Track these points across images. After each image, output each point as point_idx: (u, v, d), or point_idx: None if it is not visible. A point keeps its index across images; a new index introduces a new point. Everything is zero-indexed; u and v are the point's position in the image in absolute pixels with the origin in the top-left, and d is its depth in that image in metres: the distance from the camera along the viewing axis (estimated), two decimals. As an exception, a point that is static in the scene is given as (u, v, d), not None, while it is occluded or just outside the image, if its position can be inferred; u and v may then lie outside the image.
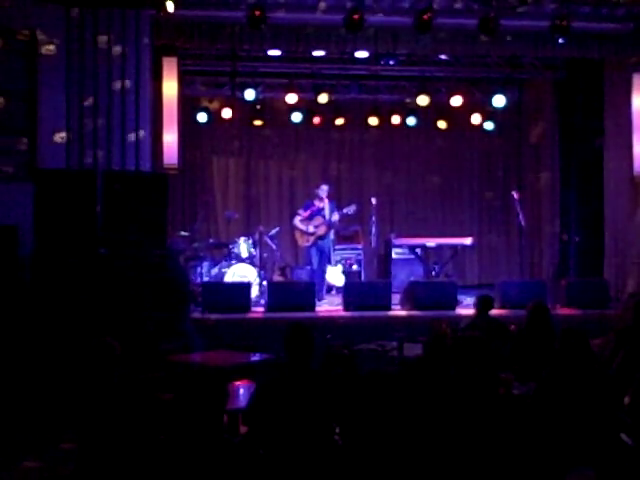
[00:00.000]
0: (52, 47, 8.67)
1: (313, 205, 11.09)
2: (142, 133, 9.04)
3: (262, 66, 11.91)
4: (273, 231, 11.72)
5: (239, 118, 12.63)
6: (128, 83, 9.00)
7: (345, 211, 11.07)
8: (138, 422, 4.13)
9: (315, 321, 8.86)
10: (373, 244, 11.26)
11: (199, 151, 13.39)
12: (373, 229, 11.03)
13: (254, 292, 10.31)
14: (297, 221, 11.11)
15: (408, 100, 12.79)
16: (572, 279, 11.09)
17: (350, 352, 7.76)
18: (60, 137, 8.66)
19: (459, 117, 13.04)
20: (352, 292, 9.80)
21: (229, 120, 12.42)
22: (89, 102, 8.89)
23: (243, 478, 3.22)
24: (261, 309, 9.71)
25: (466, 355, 3.66)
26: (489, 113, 12.84)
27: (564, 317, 9.28)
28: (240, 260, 10.99)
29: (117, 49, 8.97)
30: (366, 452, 3.32)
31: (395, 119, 13.18)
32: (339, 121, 13.19)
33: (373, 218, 11.03)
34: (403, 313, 9.67)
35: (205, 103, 12.60)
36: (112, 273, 7.59)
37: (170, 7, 8.74)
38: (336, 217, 10.97)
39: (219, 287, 10.04)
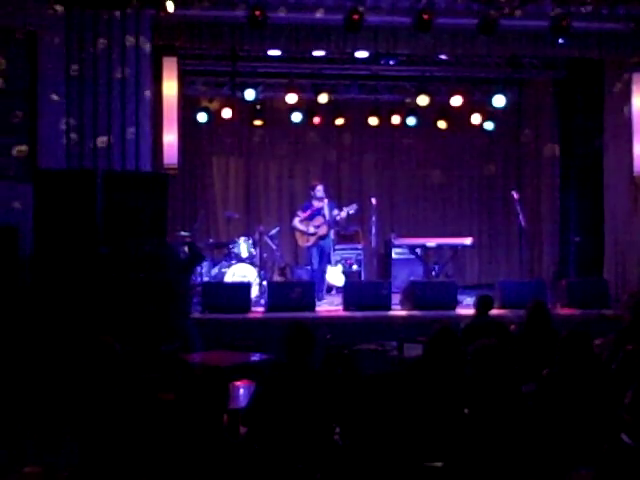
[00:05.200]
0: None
1: (312, 206, 11.08)
2: (142, 133, 9.05)
3: (262, 66, 11.90)
4: (273, 231, 11.71)
5: (239, 118, 12.62)
6: (128, 83, 9.01)
7: (346, 210, 11.06)
8: (138, 422, 4.13)
9: (315, 321, 8.86)
10: (373, 244, 11.25)
11: (199, 151, 13.38)
12: (373, 229, 11.03)
13: (254, 292, 10.30)
14: (297, 222, 11.11)
15: (408, 100, 12.79)
16: (572, 279, 11.09)
17: (350, 352, 7.78)
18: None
19: (459, 117, 13.04)
20: (352, 292, 9.80)
21: (229, 120, 12.41)
22: (89, 102, 8.90)
23: (243, 478, 3.22)
24: (261, 309, 9.71)
25: (484, 366, 3.58)
26: (489, 113, 12.84)
27: (564, 317, 9.28)
28: (240, 260, 10.99)
29: (117, 49, 8.98)
30: (366, 452, 3.32)
31: (395, 119, 13.18)
32: (339, 121, 13.19)
33: (373, 218, 11.02)
34: (403, 313, 9.66)
35: (205, 103, 12.59)
36: (112, 273, 7.59)
37: (170, 7, 8.75)
38: (344, 214, 10.96)
39: (219, 287, 10.03)
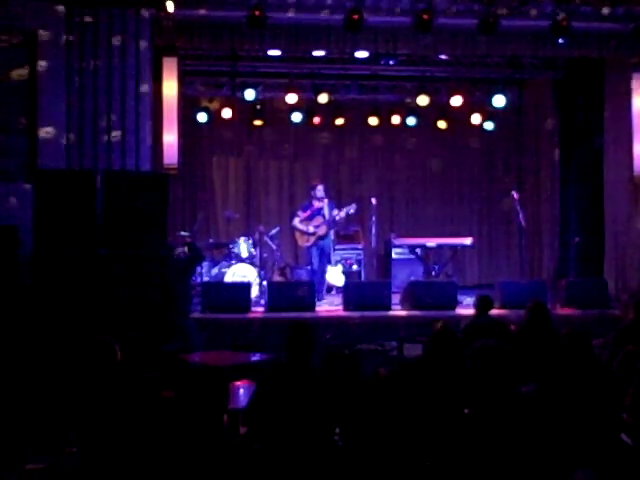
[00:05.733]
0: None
1: (312, 206, 11.08)
2: (142, 133, 9.05)
3: (262, 66, 11.90)
4: (273, 231, 11.72)
5: (239, 118, 12.63)
6: (128, 83, 9.01)
7: (345, 210, 11.06)
8: (138, 422, 4.13)
9: (315, 321, 8.86)
10: (373, 244, 11.25)
11: (199, 151, 13.38)
12: (373, 229, 11.02)
13: (254, 292, 10.30)
14: (296, 222, 11.10)
15: (408, 100, 12.79)
16: (572, 279, 11.08)
17: (350, 352, 7.79)
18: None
19: (459, 117, 13.04)
20: (352, 292, 9.80)
21: (229, 120, 12.42)
22: (89, 102, 8.90)
23: (243, 478, 3.21)
24: (261, 309, 9.71)
25: (484, 366, 3.57)
26: (489, 113, 12.84)
27: (564, 317, 9.28)
28: (240, 260, 10.99)
29: (117, 49, 8.98)
30: (366, 453, 3.32)
31: (395, 119, 13.19)
32: (339, 121, 13.19)
33: (373, 218, 11.02)
34: (403, 313, 9.66)
35: (205, 103, 12.59)
36: (112, 273, 7.59)
37: (170, 7, 8.74)
38: (343, 214, 10.95)
39: (219, 287, 10.03)
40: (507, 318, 8.19)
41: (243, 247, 11.11)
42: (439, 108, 12.88)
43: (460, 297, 10.04)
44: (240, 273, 10.73)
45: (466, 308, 9.53)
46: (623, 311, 7.64)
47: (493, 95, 11.98)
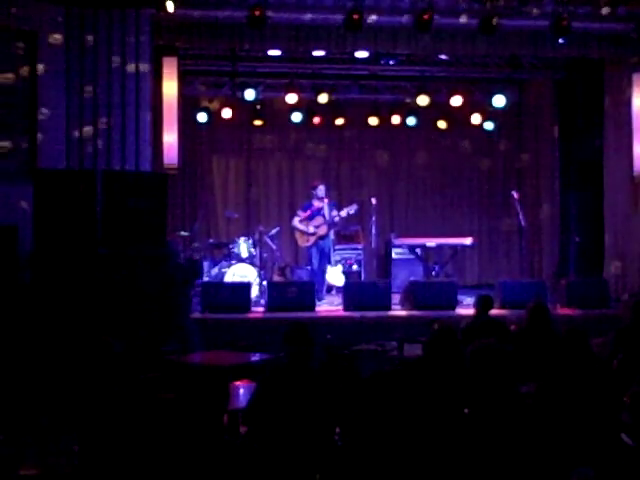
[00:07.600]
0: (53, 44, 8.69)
1: (312, 206, 11.08)
2: (142, 133, 9.05)
3: (262, 66, 11.91)
4: (273, 231, 11.71)
5: (239, 118, 12.64)
6: (128, 83, 9.02)
7: (347, 210, 11.06)
8: (138, 422, 4.13)
9: (315, 321, 8.86)
10: (373, 244, 11.26)
11: (199, 151, 13.39)
12: (373, 229, 11.03)
13: (254, 292, 10.31)
14: (296, 222, 11.10)
15: (408, 100, 12.80)
16: (572, 279, 11.09)
17: (350, 352, 7.79)
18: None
19: (459, 117, 13.05)
20: (352, 292, 9.80)
21: (229, 120, 12.43)
22: (89, 102, 8.90)
23: (243, 478, 3.21)
24: (261, 309, 9.71)
25: (483, 366, 3.57)
26: (489, 113, 12.86)
27: (564, 317, 9.28)
28: (240, 260, 10.99)
29: (117, 49, 8.99)
30: (366, 453, 3.32)
31: (395, 119, 13.19)
32: (339, 121, 13.20)
33: (373, 218, 11.02)
34: (403, 313, 9.67)
35: (205, 103, 12.61)
36: (112, 273, 7.59)
37: (170, 7, 8.75)
38: (344, 213, 10.95)
39: (219, 287, 10.03)
40: (507, 318, 8.18)
41: (243, 247, 11.11)
42: (439, 108, 12.88)
43: (460, 297, 10.04)
44: (240, 273, 10.73)
45: (466, 308, 9.53)
46: (623, 311, 7.63)
47: (493, 95, 11.99)
